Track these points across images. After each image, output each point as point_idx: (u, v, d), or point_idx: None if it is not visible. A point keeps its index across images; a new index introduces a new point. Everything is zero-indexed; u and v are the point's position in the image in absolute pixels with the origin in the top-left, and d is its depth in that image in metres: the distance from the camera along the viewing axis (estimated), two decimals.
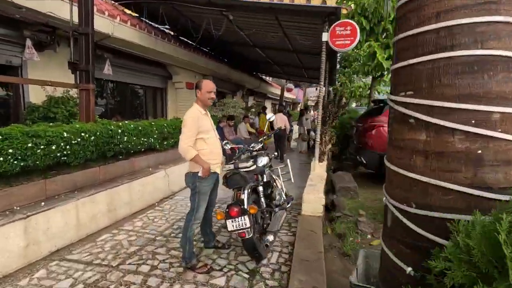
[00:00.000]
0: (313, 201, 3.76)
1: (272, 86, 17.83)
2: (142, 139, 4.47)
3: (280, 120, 10.35)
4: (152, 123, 4.90)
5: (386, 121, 5.55)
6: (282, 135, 9.70)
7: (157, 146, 4.96)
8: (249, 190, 2.91)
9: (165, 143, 5.15)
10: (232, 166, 3.07)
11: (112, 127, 3.88)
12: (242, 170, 2.99)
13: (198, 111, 2.76)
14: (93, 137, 3.52)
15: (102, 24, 5.22)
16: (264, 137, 4.40)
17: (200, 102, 2.82)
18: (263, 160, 3.66)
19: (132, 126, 4.26)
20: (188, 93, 9.27)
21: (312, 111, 26.96)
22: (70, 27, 3.80)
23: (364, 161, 5.24)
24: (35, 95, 5.04)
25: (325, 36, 4.89)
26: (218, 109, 9.00)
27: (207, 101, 2.80)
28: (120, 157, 4.26)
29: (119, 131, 3.96)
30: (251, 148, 4.03)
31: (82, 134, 3.37)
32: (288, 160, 3.66)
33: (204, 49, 9.20)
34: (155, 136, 4.76)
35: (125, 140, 4.08)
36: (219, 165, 2.88)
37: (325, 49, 5.04)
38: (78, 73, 3.98)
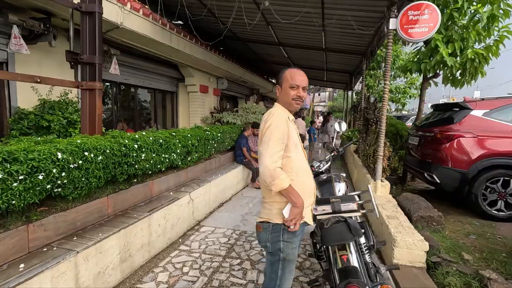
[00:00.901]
0: (411, 245, 2.65)
1: None
2: (163, 155, 3.37)
3: (301, 127, 9.31)
4: (173, 133, 3.82)
5: (466, 130, 4.40)
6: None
7: (179, 163, 3.86)
8: (357, 247, 1.82)
9: (188, 158, 4.05)
10: (326, 208, 1.97)
11: (127, 141, 2.79)
12: (346, 213, 1.91)
13: (286, 115, 1.68)
14: (100, 157, 2.42)
15: (109, 11, 4.15)
16: (333, 154, 3.34)
17: (282, 104, 1.75)
18: (341, 187, 2.59)
19: (151, 139, 3.16)
20: (202, 98, 8.21)
21: (321, 117, 26.00)
22: (70, 2, 2.72)
23: (437, 180, 4.16)
24: (25, 99, 3.94)
25: (392, 23, 3.84)
26: (237, 116, 7.93)
27: (291, 103, 1.72)
28: (135, 180, 3.15)
29: (136, 146, 2.87)
30: (319, 168, 2.97)
31: (86, 153, 2.27)
32: (369, 186, 2.63)
33: (212, 48, 8.16)
34: (178, 151, 3.66)
35: (142, 158, 2.98)
36: (310, 208, 1.77)
37: (390, 40, 3.99)
38: (80, 68, 2.90)
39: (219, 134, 5.03)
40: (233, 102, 12.02)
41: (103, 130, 3.26)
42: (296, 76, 1.69)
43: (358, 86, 12.54)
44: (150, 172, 3.33)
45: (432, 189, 5.67)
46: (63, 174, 2.09)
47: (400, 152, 6.31)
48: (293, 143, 1.64)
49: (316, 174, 2.98)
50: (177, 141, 3.69)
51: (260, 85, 11.94)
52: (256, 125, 6.54)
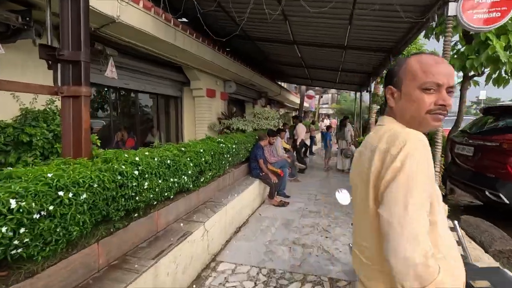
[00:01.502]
0: None
1: (290, 94, 16.07)
2: (172, 179, 2.62)
3: (302, 133, 8.62)
4: (183, 148, 3.06)
5: None
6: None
7: (190, 186, 3.10)
8: None
9: (201, 179, 3.29)
10: None
11: (123, 167, 2.03)
12: None
13: (426, 142, 0.88)
14: (84, 195, 1.67)
15: (104, 2, 3.43)
16: None
17: (401, 119, 0.99)
18: None
19: (156, 160, 2.41)
20: (209, 103, 7.46)
21: (329, 120, 25.23)
22: None
23: (505, 200, 3.39)
24: (2, 108, 3.22)
25: (452, 9, 3.09)
26: (247, 122, 7.18)
27: (425, 120, 0.94)
28: (136, 215, 2.39)
29: (136, 173, 2.12)
30: None
31: (61, 193, 1.52)
32: (456, 223, 1.91)
33: (219, 48, 7.41)
34: (189, 172, 2.90)
35: (145, 187, 2.23)
36: None
37: (449, 29, 3.23)
38: (60, 68, 2.16)
39: (233, 146, 4.28)
40: (240, 106, 11.27)
41: (95, 149, 2.51)
42: (436, 68, 0.92)
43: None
44: (155, 203, 2.57)
45: (479, 205, 4.89)
46: (23, 230, 1.34)
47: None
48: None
49: None
50: (188, 159, 2.93)
51: (268, 87, 11.20)
52: (272, 133, 5.79)
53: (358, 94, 14.10)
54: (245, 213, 4.59)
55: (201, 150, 3.22)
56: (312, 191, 6.30)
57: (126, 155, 2.20)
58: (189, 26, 5.47)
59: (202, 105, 7.35)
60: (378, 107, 11.83)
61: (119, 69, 5.12)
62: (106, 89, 5.39)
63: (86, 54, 2.15)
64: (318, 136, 15.99)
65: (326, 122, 22.69)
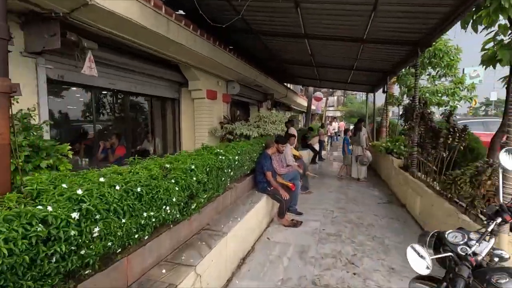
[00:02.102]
0: None
1: (297, 96, 15.25)
2: (146, 213, 1.82)
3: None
4: (168, 165, 2.26)
5: None
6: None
7: (178, 216, 2.29)
8: None
9: (192, 206, 2.47)
10: None
11: (51, 209, 1.24)
12: None
13: None
14: None
15: None
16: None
17: None
18: None
19: (118, 189, 1.61)
20: (209, 105, 6.68)
21: (337, 122, 24.33)
22: None
23: None
24: None
25: None
26: (252, 127, 6.38)
27: None
28: (87, 272, 1.59)
29: (74, 215, 1.32)
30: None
31: None
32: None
33: (220, 44, 6.63)
34: (173, 199, 2.09)
35: (95, 234, 1.43)
36: None
37: None
38: None
39: (236, 158, 3.47)
40: (244, 109, 10.49)
41: (65, 163, 1.73)
42: None
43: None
44: (118, 250, 1.77)
45: None
46: None
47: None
48: None
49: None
50: (173, 181, 2.12)
51: (274, 89, 10.40)
52: (281, 140, 4.97)
53: (370, 95, 13.26)
54: (251, 239, 3.77)
55: (193, 167, 2.41)
56: (327, 206, 5.45)
57: (65, 186, 1.39)
58: (186, 18, 4.71)
59: (202, 108, 6.57)
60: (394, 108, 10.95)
61: (102, 66, 4.38)
62: (86, 90, 4.63)
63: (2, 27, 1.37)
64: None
65: (335, 125, 21.75)
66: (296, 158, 6.83)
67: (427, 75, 8.40)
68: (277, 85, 10.56)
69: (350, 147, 8.10)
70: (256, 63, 8.12)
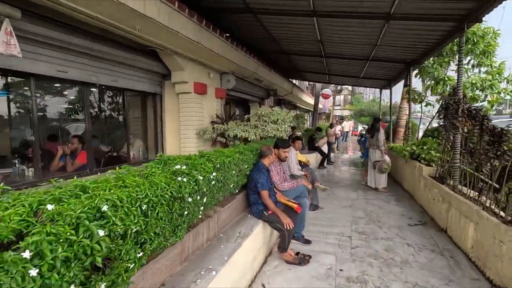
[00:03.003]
0: None
1: (303, 93, 14.00)
2: None
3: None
4: (49, 206, 1.11)
5: None
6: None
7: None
8: None
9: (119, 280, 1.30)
10: None
11: None
12: None
13: None
14: None
15: None
16: None
17: None
18: None
19: None
20: (198, 101, 5.50)
21: (345, 122, 22.94)
22: None
23: None
24: None
25: None
26: (249, 127, 5.18)
27: None
28: None
29: None
30: None
31: None
32: None
33: (208, 26, 5.43)
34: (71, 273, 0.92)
35: None
36: None
37: None
38: None
39: (213, 175, 2.27)
40: (243, 107, 9.30)
41: None
42: None
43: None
44: None
45: None
46: None
47: None
48: None
49: None
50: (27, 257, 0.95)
51: (278, 84, 9.18)
52: (282, 143, 3.75)
53: (382, 92, 11.94)
54: (242, 284, 2.58)
55: (104, 208, 1.22)
56: (343, 229, 4.22)
57: None
58: None
59: (189, 104, 5.39)
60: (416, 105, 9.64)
61: (44, 47, 3.25)
62: (23, 78, 3.49)
63: None
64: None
65: (345, 124, 20.31)
66: (303, 165, 5.62)
67: (456, 65, 7.07)
68: (281, 79, 9.34)
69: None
70: (256, 54, 6.92)
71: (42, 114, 4.00)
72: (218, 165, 2.38)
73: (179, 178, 1.81)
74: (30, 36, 3.07)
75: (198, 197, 2.02)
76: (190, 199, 1.91)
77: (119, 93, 4.93)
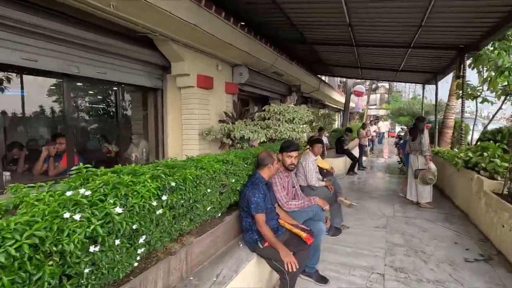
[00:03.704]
0: None
1: (333, 90, 12.79)
2: None
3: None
4: None
5: None
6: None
7: None
8: None
9: None
10: None
11: None
12: None
13: None
14: None
15: None
16: None
17: None
18: None
19: None
20: (203, 97, 4.77)
21: (381, 122, 21.05)
22: None
23: None
24: None
25: None
26: (259, 128, 4.33)
27: None
28: None
29: None
30: None
31: None
32: None
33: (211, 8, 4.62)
34: None
35: None
36: None
37: None
38: None
39: (161, 201, 1.47)
40: (263, 105, 8.43)
41: None
42: None
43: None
44: None
45: None
46: None
47: None
48: None
49: None
50: None
51: (301, 79, 8.20)
52: (288, 146, 2.82)
53: (426, 88, 10.41)
54: None
55: None
56: (373, 261, 3.21)
57: None
58: None
59: (191, 101, 4.68)
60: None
61: (23, 34, 2.70)
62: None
63: None
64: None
65: (381, 125, 18.44)
66: (326, 172, 4.66)
67: None
68: (305, 74, 8.35)
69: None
70: (274, 44, 6.04)
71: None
72: (174, 184, 1.57)
73: (67, 215, 1.03)
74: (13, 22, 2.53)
75: (118, 241, 1.22)
76: (97, 248, 1.12)
77: (111, 88, 4.36)
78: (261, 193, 2.30)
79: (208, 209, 2.03)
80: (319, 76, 10.69)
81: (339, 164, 7.74)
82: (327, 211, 3.27)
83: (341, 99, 14.44)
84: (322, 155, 6.77)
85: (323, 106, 14.10)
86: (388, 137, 21.77)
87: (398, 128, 19.96)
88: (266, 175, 2.47)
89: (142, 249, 1.45)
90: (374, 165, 10.30)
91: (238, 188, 2.41)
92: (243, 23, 4.75)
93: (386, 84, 30.43)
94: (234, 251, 2.39)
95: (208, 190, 1.94)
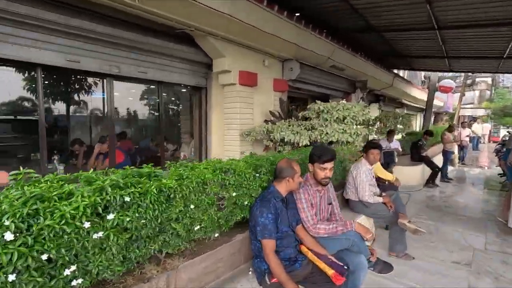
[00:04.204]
0: None
1: (411, 86, 10.98)
2: None
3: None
4: None
5: None
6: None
7: None
8: None
9: None
10: None
11: None
12: None
13: None
14: None
15: None
16: None
17: None
18: None
19: None
20: (246, 95, 4.44)
21: (477, 124, 17.33)
22: None
23: None
24: None
25: None
26: (302, 129, 3.75)
27: None
28: None
29: None
30: None
31: None
32: None
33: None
34: None
35: None
36: None
37: None
38: None
39: (141, 214, 1.14)
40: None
41: None
42: None
43: None
44: None
45: None
46: None
47: None
48: None
49: None
50: None
51: (369, 74, 7.12)
52: (324, 156, 2.18)
53: None
54: None
55: None
56: None
57: None
58: None
59: (233, 99, 4.39)
60: None
61: (51, 33, 2.84)
62: (28, 68, 3.20)
63: None
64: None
65: (477, 127, 14.85)
66: (388, 185, 3.79)
67: None
68: (373, 68, 7.24)
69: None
70: (332, 34, 5.30)
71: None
72: (128, 199, 1.22)
73: None
74: (30, 21, 2.68)
75: (12, 277, 0.91)
76: None
77: (153, 87, 4.38)
78: (271, 213, 1.78)
79: (196, 228, 1.63)
80: (393, 70, 9.24)
81: (414, 174, 6.43)
82: (371, 240, 2.50)
83: (423, 96, 12.32)
84: (391, 163, 5.71)
85: (400, 105, 12.28)
86: (489, 142, 17.78)
87: (503, 132, 16.12)
88: (283, 189, 1.93)
89: (79, 280, 1.13)
90: (465, 177, 8.33)
91: (246, 203, 1.94)
92: (291, 12, 4.22)
93: (488, 79, 25.09)
94: (239, 280, 1.93)
95: (192, 206, 1.53)
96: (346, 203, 3.50)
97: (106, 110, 3.70)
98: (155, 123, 4.83)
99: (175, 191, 1.42)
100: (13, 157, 4.33)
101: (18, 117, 4.57)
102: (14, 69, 3.68)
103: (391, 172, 5.53)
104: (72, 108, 4.69)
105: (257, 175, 2.00)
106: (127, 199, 1.22)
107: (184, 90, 4.82)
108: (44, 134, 3.07)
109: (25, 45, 2.79)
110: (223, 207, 1.79)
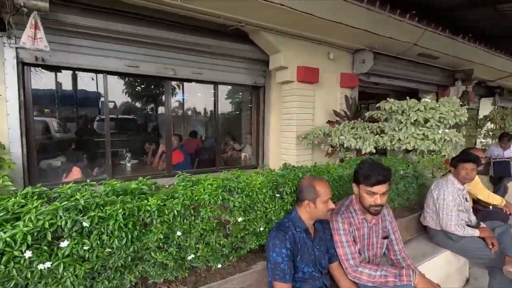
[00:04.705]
0: None
1: None
2: None
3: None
4: None
5: None
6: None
7: None
8: None
9: None
10: None
11: None
12: None
13: None
14: None
15: None
16: None
17: None
18: None
19: None
20: (305, 93, 3.97)
21: None
22: None
23: None
24: None
25: None
26: (367, 132, 3.07)
27: None
28: None
29: None
30: None
31: None
32: None
33: None
34: None
35: None
36: None
37: None
38: None
39: (104, 243, 0.97)
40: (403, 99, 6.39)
41: None
42: None
43: None
44: None
45: None
46: None
47: None
48: None
49: None
50: None
51: (476, 61, 5.55)
52: (373, 177, 1.55)
53: None
54: None
55: None
56: None
57: None
58: None
59: (290, 98, 3.98)
60: None
61: (109, 41, 3.07)
62: (90, 74, 3.50)
63: None
64: None
65: None
66: (492, 210, 2.80)
67: None
68: (483, 53, 5.59)
69: None
70: (419, 14, 4.26)
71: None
72: (87, 224, 1.02)
73: None
74: (92, 31, 2.93)
75: None
76: None
77: (209, 88, 4.34)
78: (285, 247, 1.36)
79: (190, 258, 1.35)
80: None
81: None
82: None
83: None
84: (505, 177, 4.35)
85: None
86: None
87: None
88: (305, 216, 1.47)
89: None
90: None
91: (261, 229, 1.57)
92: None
93: None
94: None
95: (179, 233, 1.26)
96: (424, 229, 2.71)
97: (165, 111, 3.83)
98: (217, 124, 4.84)
99: (151, 215, 1.18)
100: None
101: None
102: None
103: (505, 190, 4.18)
104: (142, 109, 5.11)
105: (278, 194, 1.59)
106: (85, 224, 1.03)
107: (245, 89, 4.65)
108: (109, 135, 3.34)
109: (94, 54, 3.06)
110: (229, 233, 1.47)
